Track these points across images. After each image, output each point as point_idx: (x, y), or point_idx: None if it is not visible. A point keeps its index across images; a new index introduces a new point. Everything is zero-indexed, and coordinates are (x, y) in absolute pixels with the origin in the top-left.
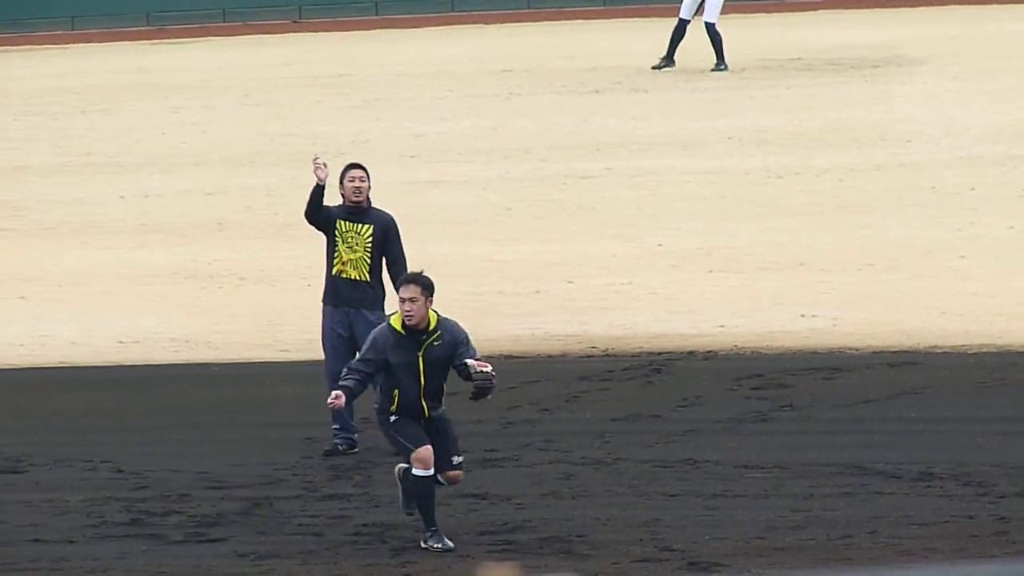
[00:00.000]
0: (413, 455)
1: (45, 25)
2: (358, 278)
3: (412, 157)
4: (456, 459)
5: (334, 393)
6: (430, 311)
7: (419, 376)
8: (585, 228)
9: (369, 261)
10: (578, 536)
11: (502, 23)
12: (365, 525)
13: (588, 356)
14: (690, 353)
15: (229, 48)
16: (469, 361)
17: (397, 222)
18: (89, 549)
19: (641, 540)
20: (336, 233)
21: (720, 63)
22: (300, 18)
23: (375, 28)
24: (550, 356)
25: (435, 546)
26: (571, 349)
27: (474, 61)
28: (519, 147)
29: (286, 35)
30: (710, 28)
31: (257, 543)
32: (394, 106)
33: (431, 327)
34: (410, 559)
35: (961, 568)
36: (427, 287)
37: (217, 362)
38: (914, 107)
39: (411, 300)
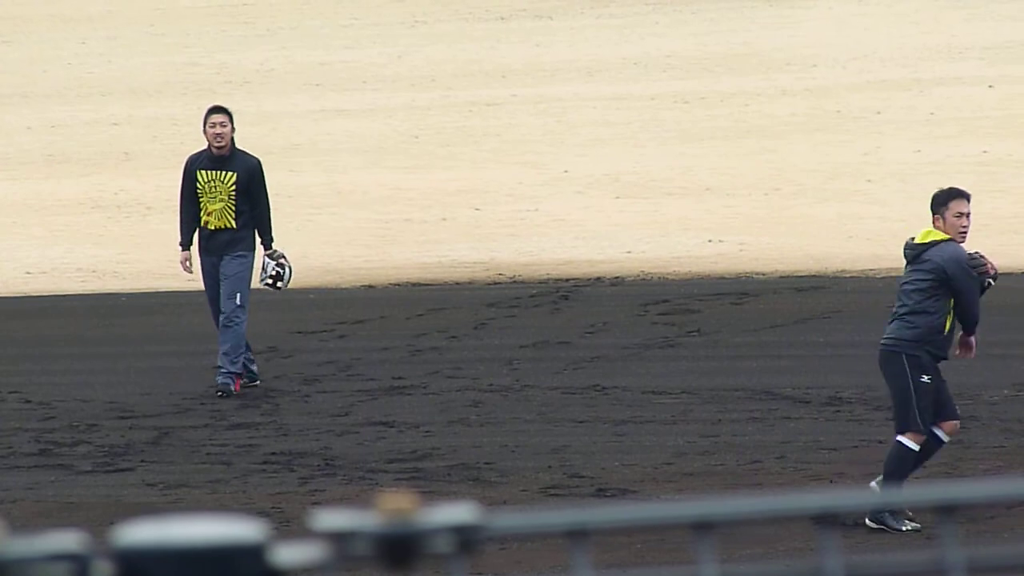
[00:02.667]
0: (912, 433)
1: None
2: (223, 226)
3: (317, 85)
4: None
5: None
6: None
7: None
8: (491, 155)
9: (234, 208)
10: (486, 463)
11: None
12: (273, 454)
13: (495, 283)
14: (597, 279)
15: None
16: None
17: (263, 166)
18: None
19: (550, 467)
20: (198, 184)
21: None
22: None
23: None
24: (457, 283)
25: (904, 528)
26: (478, 276)
27: None
28: (425, 75)
29: None
30: None
31: (166, 472)
32: (299, 34)
33: None
34: (318, 487)
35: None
36: None
37: (124, 292)
38: (820, 31)
39: None
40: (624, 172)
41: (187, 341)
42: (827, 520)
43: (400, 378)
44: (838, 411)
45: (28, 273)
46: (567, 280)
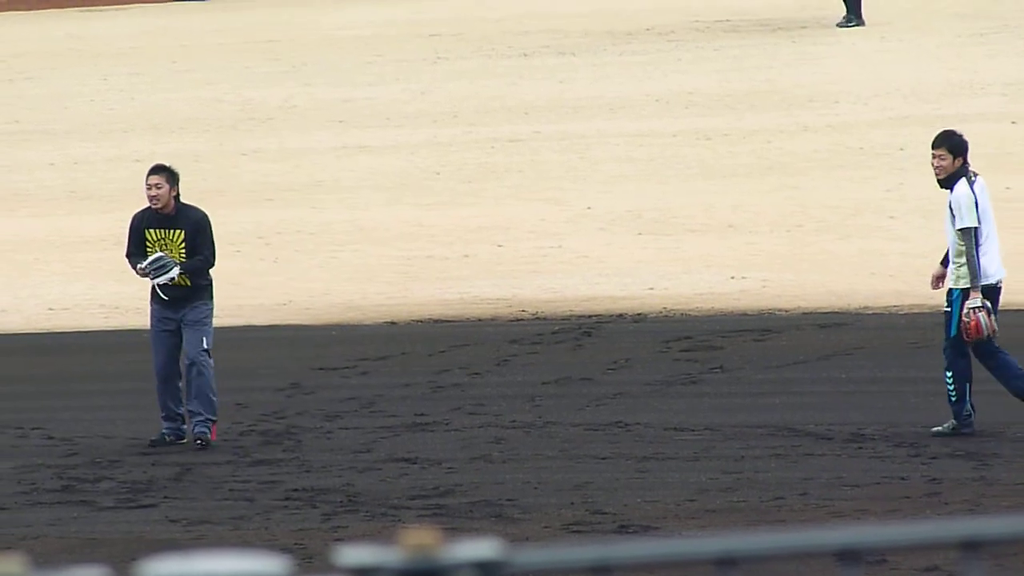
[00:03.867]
0: None
1: None
2: (179, 283)
3: (341, 122)
4: None
5: None
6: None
7: None
8: (514, 192)
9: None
10: (509, 500)
11: None
12: (296, 490)
13: (518, 320)
14: (620, 316)
15: (158, 15)
16: None
17: (210, 218)
18: (21, 516)
19: (572, 503)
20: (147, 244)
21: (852, 18)
22: None
23: None
24: (480, 320)
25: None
26: (501, 313)
27: (403, 24)
28: (447, 111)
29: (216, 1)
30: None
31: (188, 508)
32: (323, 71)
33: None
34: (340, 524)
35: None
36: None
37: (146, 328)
38: (842, 68)
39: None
40: (647, 209)
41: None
42: (849, 557)
43: (422, 414)
44: (860, 447)
45: (50, 309)
46: (590, 316)
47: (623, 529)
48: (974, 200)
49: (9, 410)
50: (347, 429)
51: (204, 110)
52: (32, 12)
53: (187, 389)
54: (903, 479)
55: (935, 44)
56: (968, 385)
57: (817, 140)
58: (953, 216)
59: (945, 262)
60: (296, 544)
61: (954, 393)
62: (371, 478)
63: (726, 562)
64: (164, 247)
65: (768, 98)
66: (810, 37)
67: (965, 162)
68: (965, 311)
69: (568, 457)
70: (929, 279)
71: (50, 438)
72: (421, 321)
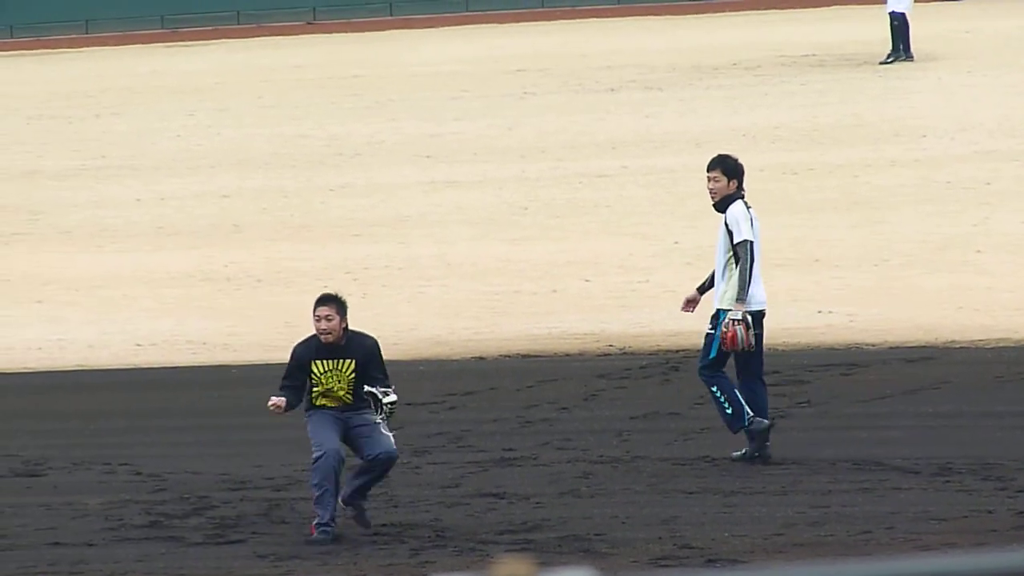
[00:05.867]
0: None
1: (59, 29)
2: (343, 405)
3: (428, 157)
4: None
5: None
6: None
7: None
8: (601, 226)
9: (352, 391)
10: (597, 534)
11: (516, 22)
12: (384, 525)
13: (605, 354)
14: None
15: (243, 50)
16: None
17: (380, 344)
18: (108, 552)
19: (660, 538)
20: (313, 376)
21: (898, 52)
22: (314, 19)
23: (389, 29)
24: (567, 355)
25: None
26: (588, 348)
27: (489, 61)
28: (535, 146)
29: (300, 36)
30: (899, 16)
31: (277, 544)
32: (409, 106)
33: None
34: (428, 559)
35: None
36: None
37: (234, 364)
38: (928, 102)
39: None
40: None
41: (298, 413)
42: None
43: (510, 449)
44: (948, 481)
45: (138, 345)
46: (677, 351)
47: (710, 563)
48: (750, 218)
49: (97, 445)
50: (435, 464)
51: (289, 146)
52: (117, 48)
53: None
54: (990, 512)
55: (1021, 79)
56: (736, 392)
57: (903, 174)
58: (730, 233)
59: (702, 288)
60: None
61: (728, 406)
62: (459, 513)
63: None
64: (330, 378)
65: (854, 132)
66: (895, 71)
67: (740, 186)
68: (726, 322)
69: (656, 492)
70: (687, 302)
71: (138, 474)
72: (509, 356)
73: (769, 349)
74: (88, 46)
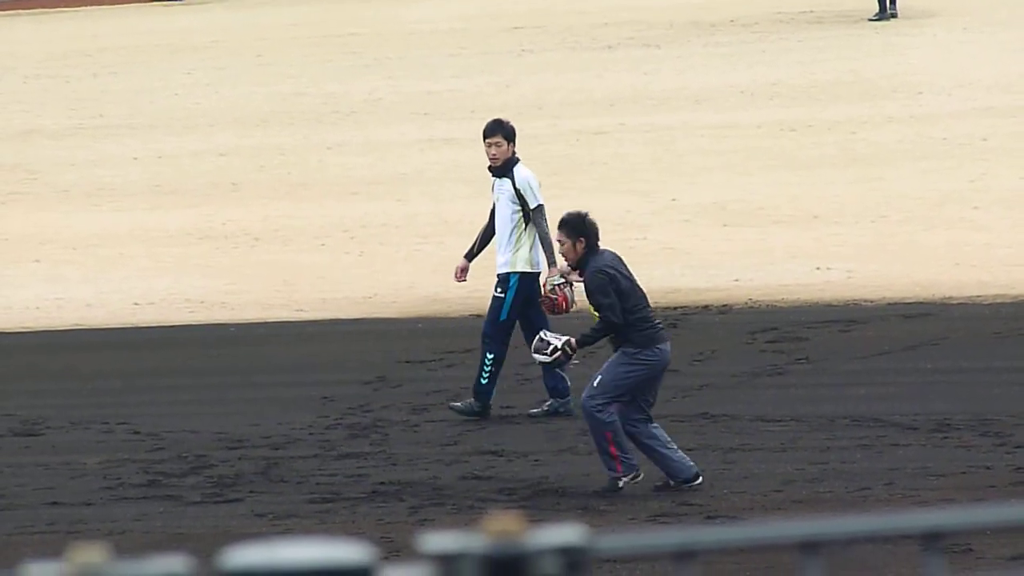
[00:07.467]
0: None
1: None
2: None
3: (425, 115)
4: None
5: None
6: None
7: None
8: (598, 184)
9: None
10: (595, 492)
11: None
12: (382, 483)
13: None
14: (705, 307)
15: (240, 8)
16: None
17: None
18: (106, 511)
19: (658, 495)
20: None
21: (883, 14)
22: None
23: None
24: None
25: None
26: (586, 305)
27: (486, 18)
28: (532, 103)
29: None
30: None
31: (275, 503)
32: (406, 64)
33: None
34: (427, 516)
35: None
36: None
37: (232, 322)
38: (925, 58)
39: None
40: (731, 200)
41: (296, 371)
42: (933, 543)
43: (509, 407)
44: (946, 437)
45: (136, 304)
46: (675, 308)
47: (709, 520)
48: (537, 182)
49: (95, 405)
50: (433, 422)
51: (288, 104)
52: (115, 7)
53: None
54: (988, 468)
55: (1018, 36)
56: (496, 378)
57: (901, 131)
58: (521, 198)
59: (470, 255)
60: (382, 537)
61: (487, 379)
62: (457, 471)
63: (811, 546)
64: None
65: (852, 89)
66: (893, 28)
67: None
68: (550, 287)
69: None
70: (460, 271)
71: (136, 433)
72: None
73: (767, 306)
74: (85, 5)
